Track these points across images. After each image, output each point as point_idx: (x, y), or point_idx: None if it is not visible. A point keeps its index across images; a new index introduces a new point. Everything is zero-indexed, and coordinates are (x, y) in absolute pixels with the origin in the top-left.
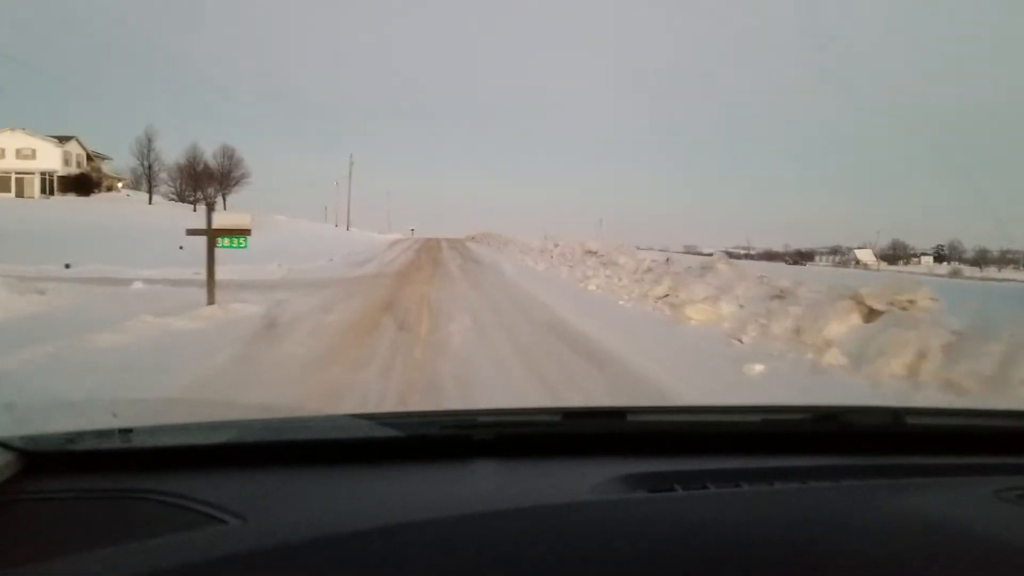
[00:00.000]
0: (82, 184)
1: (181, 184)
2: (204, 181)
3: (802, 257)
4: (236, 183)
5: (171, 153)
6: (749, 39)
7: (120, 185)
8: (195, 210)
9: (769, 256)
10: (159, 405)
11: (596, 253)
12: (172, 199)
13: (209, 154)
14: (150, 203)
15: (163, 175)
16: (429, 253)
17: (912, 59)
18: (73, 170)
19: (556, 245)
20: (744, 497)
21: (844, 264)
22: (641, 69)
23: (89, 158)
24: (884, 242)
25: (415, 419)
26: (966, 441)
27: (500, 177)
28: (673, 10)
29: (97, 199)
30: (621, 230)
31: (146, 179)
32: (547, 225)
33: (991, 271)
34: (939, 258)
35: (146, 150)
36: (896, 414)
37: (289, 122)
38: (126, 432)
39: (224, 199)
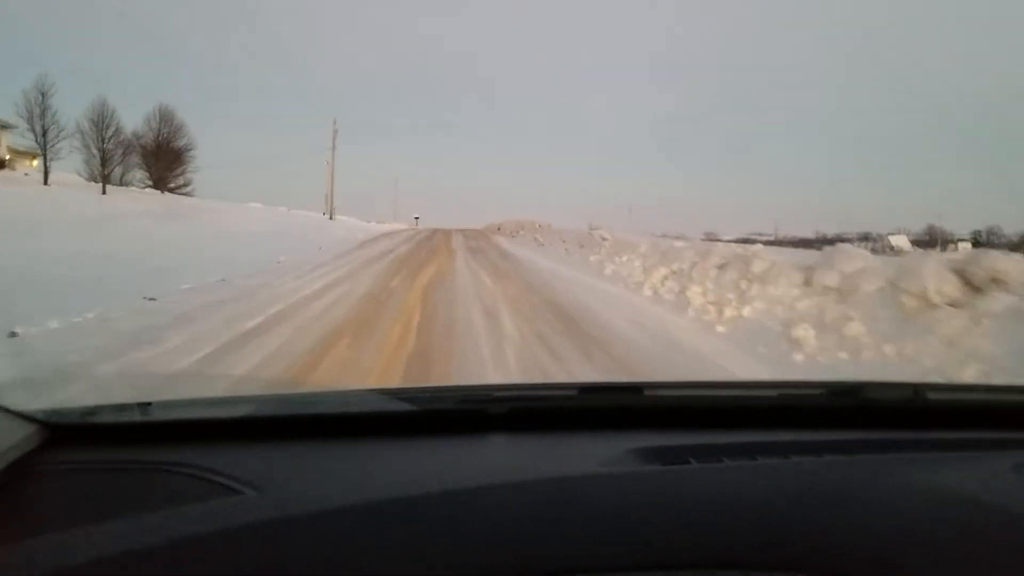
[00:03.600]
0: None
1: (101, 159)
2: (127, 151)
3: (833, 244)
4: (177, 158)
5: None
6: (778, 22)
7: (34, 163)
8: (104, 192)
9: (802, 243)
10: (175, 380)
11: None
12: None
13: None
14: (46, 183)
15: (78, 143)
16: (425, 265)
17: (942, 43)
18: None
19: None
20: (758, 470)
21: (879, 251)
22: (667, 52)
23: None
24: (918, 228)
25: (431, 394)
26: (987, 416)
27: (517, 165)
28: None
29: None
30: (646, 217)
31: (41, 150)
32: (591, 213)
33: None
34: (977, 244)
35: (38, 110)
36: (916, 389)
37: (289, 106)
38: (144, 406)
39: (152, 174)
